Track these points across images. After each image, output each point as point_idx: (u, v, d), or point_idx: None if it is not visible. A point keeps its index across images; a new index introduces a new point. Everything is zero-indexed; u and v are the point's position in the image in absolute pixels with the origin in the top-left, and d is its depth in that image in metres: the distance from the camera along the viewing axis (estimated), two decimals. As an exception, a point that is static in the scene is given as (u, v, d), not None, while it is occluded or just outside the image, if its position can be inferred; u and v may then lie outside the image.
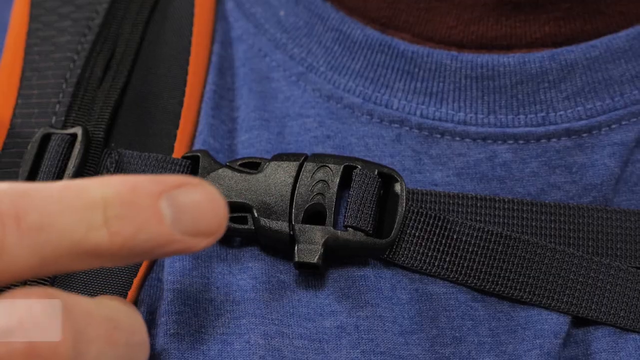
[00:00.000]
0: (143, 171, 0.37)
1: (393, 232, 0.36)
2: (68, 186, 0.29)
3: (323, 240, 0.36)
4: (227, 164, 0.37)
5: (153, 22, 0.42)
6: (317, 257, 0.35)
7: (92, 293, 0.36)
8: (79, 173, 0.37)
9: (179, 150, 0.39)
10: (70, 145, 0.38)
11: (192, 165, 0.38)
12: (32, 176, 0.37)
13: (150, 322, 0.36)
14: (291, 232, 0.36)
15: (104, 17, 0.41)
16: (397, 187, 0.37)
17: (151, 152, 0.38)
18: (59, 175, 0.37)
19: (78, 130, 0.38)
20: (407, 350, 0.35)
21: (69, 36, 0.40)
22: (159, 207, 0.29)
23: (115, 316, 0.30)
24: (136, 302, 0.36)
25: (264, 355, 0.35)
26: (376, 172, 0.37)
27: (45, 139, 0.38)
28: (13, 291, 0.27)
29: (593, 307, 0.36)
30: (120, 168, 0.38)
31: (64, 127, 0.38)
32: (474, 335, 0.36)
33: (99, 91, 0.39)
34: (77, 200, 0.28)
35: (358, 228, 0.36)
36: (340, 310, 0.36)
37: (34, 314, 0.27)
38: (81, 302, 0.29)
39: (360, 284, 0.36)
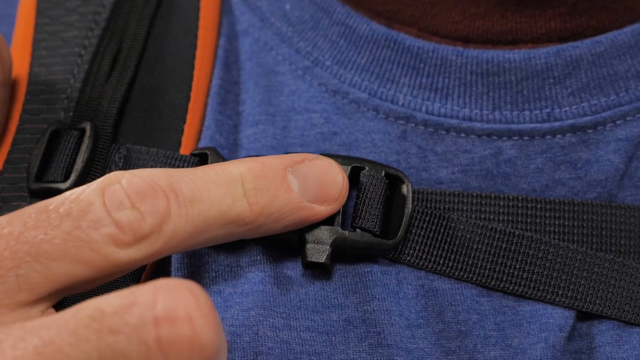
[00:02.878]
0: (151, 167, 0.38)
1: (399, 233, 0.36)
2: (208, 167, 0.33)
3: (331, 240, 0.36)
4: None
5: (159, 16, 0.42)
6: (325, 257, 0.36)
7: (102, 286, 0.36)
8: (88, 168, 0.37)
9: (187, 144, 0.39)
10: (78, 140, 0.38)
11: (200, 163, 0.38)
12: (41, 172, 0.37)
13: None
14: (300, 232, 0.36)
15: (111, 11, 0.41)
16: (404, 189, 0.37)
17: (159, 146, 0.39)
18: (68, 171, 0.37)
19: (86, 126, 0.38)
20: (413, 344, 0.36)
21: (76, 31, 0.40)
22: (287, 178, 0.34)
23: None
24: None
25: (273, 347, 0.35)
26: (383, 174, 0.37)
27: (54, 134, 0.38)
28: (174, 279, 0.29)
29: (597, 302, 0.37)
30: (128, 163, 0.38)
31: (72, 122, 0.38)
32: (480, 329, 0.36)
33: (106, 86, 0.40)
34: (218, 176, 0.33)
35: (365, 229, 0.36)
36: (347, 304, 0.36)
37: (200, 305, 0.28)
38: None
39: (367, 279, 0.37)
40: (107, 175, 0.31)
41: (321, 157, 0.36)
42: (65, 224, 0.30)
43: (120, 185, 0.31)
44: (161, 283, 0.29)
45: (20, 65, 0.40)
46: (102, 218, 0.30)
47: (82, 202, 0.30)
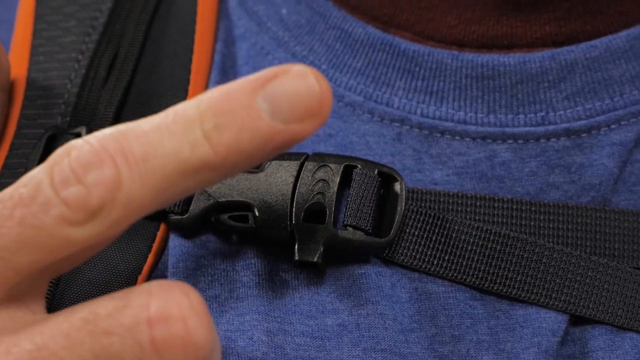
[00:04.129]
0: None
1: (392, 231, 0.36)
2: (165, 114, 0.30)
3: (323, 239, 0.36)
4: None
5: (157, 20, 0.42)
6: (317, 256, 0.36)
7: (97, 291, 0.36)
8: None
9: None
10: None
11: None
12: (37, 176, 0.38)
13: None
14: (292, 231, 0.36)
15: (108, 16, 0.41)
16: (397, 187, 0.37)
17: None
18: None
19: (82, 130, 0.38)
20: (407, 348, 0.36)
21: (73, 36, 0.41)
22: (255, 104, 0.29)
23: None
24: None
25: (267, 352, 0.35)
26: (376, 172, 0.37)
27: (51, 139, 0.38)
28: (166, 280, 0.29)
29: (590, 305, 0.37)
30: None
31: (69, 127, 0.39)
32: (473, 334, 0.36)
33: (103, 91, 0.40)
34: (174, 124, 0.29)
35: (357, 227, 0.36)
36: (341, 308, 0.36)
37: (193, 305, 0.28)
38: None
39: (361, 282, 0.37)
40: (58, 150, 0.29)
41: (294, 65, 0.30)
42: (16, 211, 0.29)
43: (68, 159, 0.29)
44: (154, 284, 0.29)
45: (18, 71, 0.40)
46: (51, 199, 0.28)
47: (31, 185, 0.29)
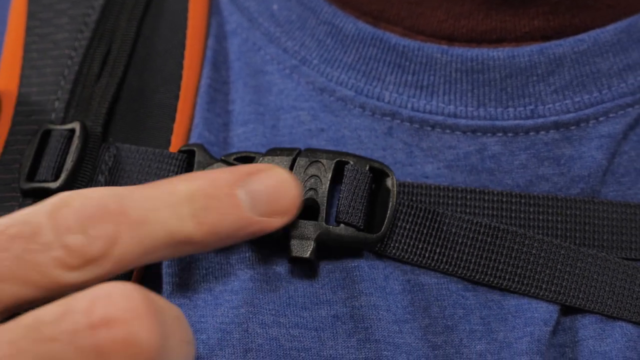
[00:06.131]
0: (141, 165, 0.38)
1: (383, 227, 0.37)
2: (158, 185, 0.33)
3: (315, 235, 0.36)
4: (222, 158, 0.38)
5: (148, 16, 0.42)
6: (310, 252, 0.36)
7: None
8: (77, 167, 0.38)
9: (176, 143, 0.39)
10: (68, 140, 0.38)
11: (188, 159, 0.38)
12: (32, 172, 0.38)
13: None
14: (284, 227, 0.37)
15: (100, 12, 0.41)
16: (388, 182, 0.37)
17: (149, 145, 0.39)
18: (58, 170, 0.38)
19: (76, 126, 0.38)
20: (401, 339, 0.36)
21: (66, 33, 0.41)
22: (236, 195, 0.33)
23: (183, 318, 0.31)
24: None
25: (262, 343, 0.35)
26: (367, 168, 0.37)
27: (45, 135, 0.38)
28: (110, 283, 0.29)
29: (580, 295, 0.37)
30: (118, 162, 0.38)
31: (63, 123, 0.39)
32: (466, 324, 0.37)
33: (96, 87, 0.40)
34: (168, 197, 0.32)
35: (349, 224, 0.37)
36: (335, 300, 0.37)
37: (135, 307, 0.29)
38: (166, 305, 0.31)
39: (354, 274, 0.37)
40: (57, 196, 0.31)
41: (274, 167, 0.35)
42: (14, 246, 0.30)
43: (70, 208, 0.31)
44: (96, 289, 0.29)
45: (12, 68, 0.40)
46: (51, 242, 0.30)
47: (32, 224, 0.30)
